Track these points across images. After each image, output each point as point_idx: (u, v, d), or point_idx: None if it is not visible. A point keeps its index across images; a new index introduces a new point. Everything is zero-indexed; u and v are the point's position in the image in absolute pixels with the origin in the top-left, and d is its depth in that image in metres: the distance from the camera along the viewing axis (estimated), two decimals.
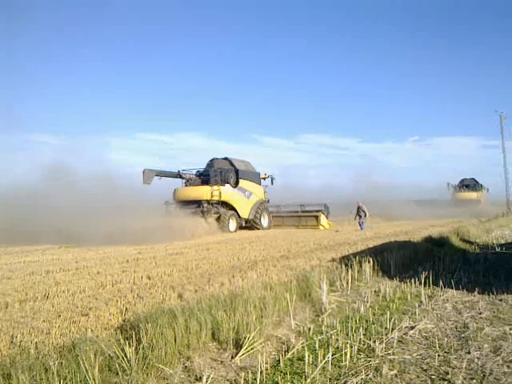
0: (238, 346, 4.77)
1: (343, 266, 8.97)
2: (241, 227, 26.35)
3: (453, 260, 11.18)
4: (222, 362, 4.53)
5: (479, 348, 4.83)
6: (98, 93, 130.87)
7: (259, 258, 12.08)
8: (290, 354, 4.66)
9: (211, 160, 27.09)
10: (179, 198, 25.53)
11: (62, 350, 4.33)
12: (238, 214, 25.64)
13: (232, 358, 4.61)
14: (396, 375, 4.11)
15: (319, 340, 5.05)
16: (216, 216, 24.01)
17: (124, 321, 5.68)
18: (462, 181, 56.66)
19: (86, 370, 3.75)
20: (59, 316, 6.10)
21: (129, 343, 4.31)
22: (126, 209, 20.36)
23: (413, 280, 8.22)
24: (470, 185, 55.68)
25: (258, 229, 26.85)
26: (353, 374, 4.13)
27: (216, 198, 24.59)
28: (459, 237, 16.43)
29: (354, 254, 10.52)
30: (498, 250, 13.98)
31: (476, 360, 4.46)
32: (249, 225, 26.93)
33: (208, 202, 24.45)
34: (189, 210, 23.44)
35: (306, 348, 4.75)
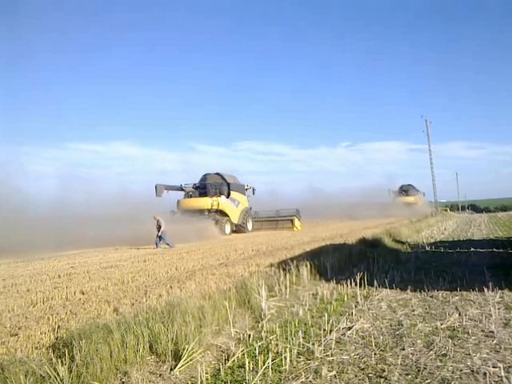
0: (177, 357, 4.67)
1: (281, 271, 9.03)
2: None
3: (386, 260, 11.56)
4: (160, 374, 4.42)
5: (413, 344, 4.98)
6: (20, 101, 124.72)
7: (197, 267, 11.95)
8: (230, 362, 4.62)
9: (204, 175, 31.50)
10: (183, 207, 29.49)
11: None
12: (230, 220, 29.86)
13: (171, 370, 4.50)
14: (335, 376, 4.16)
15: (259, 346, 5.03)
16: (214, 222, 27.65)
17: (56, 339, 5.43)
18: (402, 187, 63.01)
19: None
20: None
21: (61, 361, 4.12)
22: None
23: (349, 281, 8.40)
24: (408, 190, 62.26)
25: (245, 232, 30.82)
26: (293, 378, 4.15)
27: (215, 208, 29.15)
28: (391, 237, 17.04)
29: (292, 259, 10.63)
30: (427, 248, 14.61)
31: (410, 356, 4.59)
32: (237, 229, 30.75)
33: (208, 210, 29.04)
34: (194, 218, 26.77)
35: (246, 355, 4.72)
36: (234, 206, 30.78)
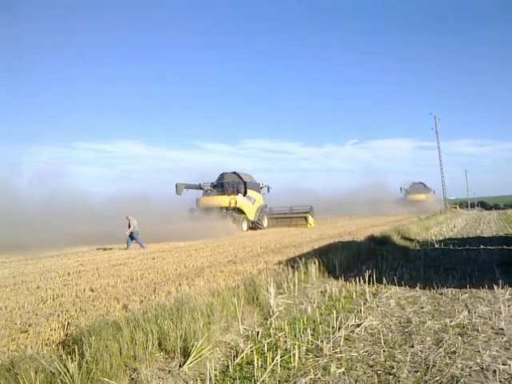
0: (186, 354, 4.69)
1: (290, 269, 9.01)
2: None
3: (395, 257, 11.52)
4: (169, 371, 4.44)
5: (422, 341, 4.97)
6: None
7: (206, 264, 11.98)
8: (238, 358, 4.63)
9: (222, 174, 32.93)
10: (202, 205, 30.88)
11: (1, 370, 4.10)
12: (247, 217, 31.14)
13: (180, 366, 4.52)
14: (344, 373, 4.16)
15: (268, 343, 5.04)
16: (232, 219, 29.13)
17: (66, 335, 5.47)
18: (413, 184, 64.32)
19: None
20: None
21: (71, 358, 4.14)
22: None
23: (357, 279, 8.39)
24: (419, 188, 63.52)
25: (260, 228, 31.84)
26: (302, 375, 4.15)
27: (232, 205, 30.60)
28: (400, 235, 16.93)
29: (300, 256, 10.61)
30: (436, 246, 14.53)
31: (419, 353, 4.58)
32: (253, 226, 31.83)
33: (226, 208, 30.48)
34: (213, 215, 27.92)
35: (254, 352, 4.73)
36: (250, 203, 32.01)
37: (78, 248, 20.59)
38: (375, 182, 61.33)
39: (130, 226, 19.22)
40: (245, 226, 30.44)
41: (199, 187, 31.61)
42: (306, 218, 33.58)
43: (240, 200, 31.01)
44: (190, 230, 22.93)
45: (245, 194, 31.72)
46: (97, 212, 27.13)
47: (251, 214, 31.74)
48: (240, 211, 30.92)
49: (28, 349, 4.91)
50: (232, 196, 30.82)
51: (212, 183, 32.38)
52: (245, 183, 32.09)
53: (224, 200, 30.63)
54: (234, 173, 32.87)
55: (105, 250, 19.40)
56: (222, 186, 31.89)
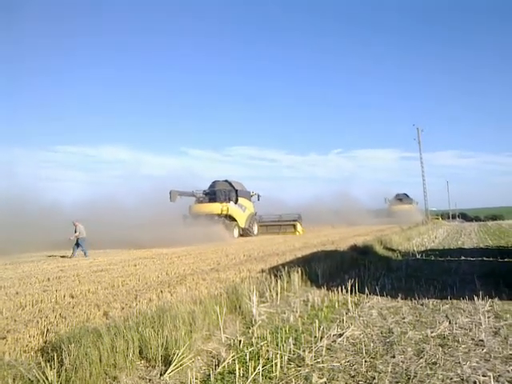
0: (167, 362, 4.64)
1: (272, 277, 9.02)
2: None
3: (377, 267, 11.57)
4: (150, 380, 4.39)
5: (403, 352, 4.99)
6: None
7: (188, 271, 11.92)
8: (220, 367, 4.60)
9: (213, 182, 34.01)
10: (194, 212, 31.60)
11: None
12: (238, 225, 32.02)
13: (161, 375, 4.48)
14: (325, 383, 4.15)
15: (250, 352, 5.01)
16: (223, 226, 29.80)
17: (45, 342, 5.39)
18: (396, 195, 66.46)
19: None
20: None
21: (50, 365, 4.08)
22: None
23: (340, 288, 8.40)
24: (402, 199, 65.61)
25: (251, 236, 32.73)
26: None
27: (224, 213, 31.27)
28: (382, 245, 17.06)
29: (283, 265, 10.62)
30: (418, 256, 14.65)
31: (401, 364, 4.60)
32: (244, 233, 32.67)
33: (218, 215, 31.12)
34: (205, 222, 28.35)
35: (236, 361, 4.70)
36: (241, 211, 32.93)
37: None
38: (341, 191, 61.93)
39: (76, 232, 18.83)
40: (236, 232, 31.23)
41: (192, 194, 32.26)
42: (294, 226, 34.48)
43: (231, 207, 31.74)
44: (182, 236, 23.42)
45: (236, 201, 32.46)
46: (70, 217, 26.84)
47: (242, 222, 32.49)
48: (231, 218, 31.66)
49: (6, 356, 4.83)
50: (224, 203, 31.51)
51: (204, 191, 33.17)
52: (236, 191, 32.88)
53: (216, 207, 31.31)
54: (226, 181, 33.68)
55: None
56: (214, 193, 32.59)
